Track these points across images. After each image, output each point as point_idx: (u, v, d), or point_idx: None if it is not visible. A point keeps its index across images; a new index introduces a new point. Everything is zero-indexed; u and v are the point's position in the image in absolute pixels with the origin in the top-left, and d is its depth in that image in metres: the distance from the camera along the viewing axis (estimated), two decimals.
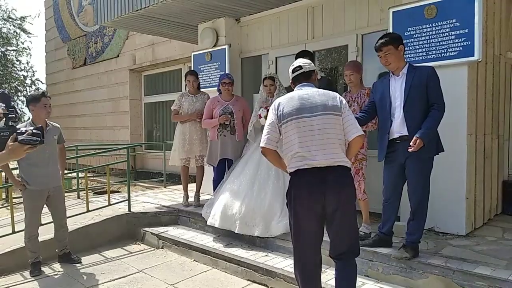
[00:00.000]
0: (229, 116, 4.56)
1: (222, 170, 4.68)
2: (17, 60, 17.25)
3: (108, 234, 4.62)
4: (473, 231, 3.63)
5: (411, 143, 2.85)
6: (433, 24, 3.56)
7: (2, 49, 16.55)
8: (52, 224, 3.94)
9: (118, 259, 4.12)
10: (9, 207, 4.26)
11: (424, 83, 2.96)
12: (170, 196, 5.98)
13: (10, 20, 16.63)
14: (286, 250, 3.70)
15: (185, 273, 3.72)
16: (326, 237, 2.44)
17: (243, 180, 4.16)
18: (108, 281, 3.56)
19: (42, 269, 3.78)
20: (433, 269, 2.88)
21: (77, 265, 3.93)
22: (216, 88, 4.96)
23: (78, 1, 11.65)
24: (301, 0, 4.94)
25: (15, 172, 3.80)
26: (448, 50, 3.49)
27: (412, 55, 3.66)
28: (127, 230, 4.80)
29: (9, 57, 16.88)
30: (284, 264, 3.46)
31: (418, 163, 2.98)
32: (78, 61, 11.87)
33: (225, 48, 5.57)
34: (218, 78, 4.92)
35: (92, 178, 9.13)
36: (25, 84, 17.46)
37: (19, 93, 17.42)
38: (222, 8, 5.23)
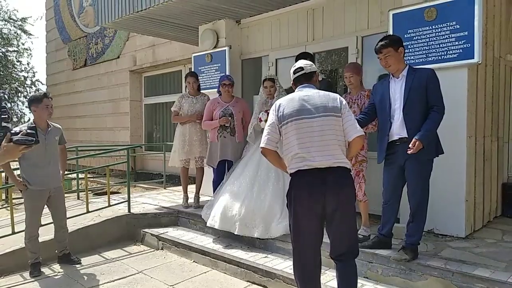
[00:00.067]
0: (229, 118, 4.57)
1: (222, 171, 4.68)
2: (18, 61, 17.29)
3: (108, 235, 4.62)
4: (473, 233, 3.63)
5: (410, 145, 2.86)
6: (433, 27, 3.57)
7: (3, 50, 16.58)
8: (52, 225, 3.94)
9: (118, 260, 4.12)
10: (9, 208, 4.26)
11: (423, 85, 2.96)
12: (170, 197, 5.99)
13: (11, 21, 16.67)
14: (285, 251, 3.70)
15: (185, 274, 3.72)
16: (326, 239, 2.45)
17: (243, 181, 4.16)
18: (108, 282, 3.56)
19: (42, 269, 3.78)
20: (433, 271, 2.88)
21: (77, 266, 3.94)
22: (216, 90, 4.97)
23: (79, 2, 11.67)
24: (301, 2, 4.95)
25: (16, 172, 3.81)
26: (448, 52, 3.50)
27: (412, 57, 3.67)
28: (127, 231, 4.80)
29: (9, 58, 16.91)
30: (284, 265, 3.46)
31: (417, 165, 2.99)
32: (78, 62, 11.89)
33: (225, 49, 5.59)
34: (218, 80, 4.93)
35: (92, 179, 9.13)
36: (26, 85, 17.49)
37: (19, 94, 17.45)
38: (223, 9, 5.24)
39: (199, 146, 4.95)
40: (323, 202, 2.31)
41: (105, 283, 3.55)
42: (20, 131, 1.75)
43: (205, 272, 3.75)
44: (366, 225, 3.58)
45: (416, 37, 3.68)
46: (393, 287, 3.01)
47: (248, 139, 4.56)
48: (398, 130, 3.06)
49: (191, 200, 5.13)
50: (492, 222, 4.09)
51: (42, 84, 16.76)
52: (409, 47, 3.65)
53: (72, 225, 4.32)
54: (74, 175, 6.48)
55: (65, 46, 12.46)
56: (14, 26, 16.80)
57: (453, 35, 3.47)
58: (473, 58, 3.38)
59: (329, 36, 4.81)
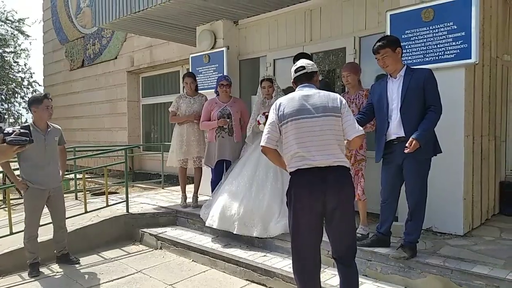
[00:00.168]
0: (228, 120, 4.58)
1: (220, 171, 4.69)
2: (15, 62, 17.22)
3: (106, 235, 4.62)
4: (471, 231, 3.66)
5: (407, 144, 2.88)
6: (431, 27, 3.60)
7: (0, 51, 16.51)
8: (50, 225, 3.94)
9: (116, 260, 4.12)
10: (6, 209, 4.25)
11: (421, 86, 2.99)
12: (168, 197, 5.98)
13: (8, 22, 16.61)
14: (284, 250, 3.71)
15: (184, 273, 3.73)
16: (325, 237, 2.46)
17: (241, 181, 4.17)
18: (106, 282, 3.56)
19: (41, 270, 3.77)
20: (431, 268, 2.90)
21: (76, 266, 3.93)
22: (214, 90, 4.98)
23: (76, 3, 11.65)
24: (299, 2, 4.97)
25: (16, 173, 3.81)
26: (445, 52, 3.52)
27: (409, 58, 3.69)
28: (125, 231, 4.79)
29: (6, 59, 16.85)
30: (283, 264, 3.47)
31: (415, 164, 3.01)
32: (76, 63, 11.86)
33: (223, 50, 5.60)
34: (216, 80, 4.94)
35: (90, 179, 9.12)
36: (23, 86, 17.42)
37: (16, 95, 17.38)
38: (220, 10, 5.25)
39: (197, 146, 4.96)
40: (323, 201, 2.33)
41: (104, 282, 3.55)
42: (13, 131, 1.74)
43: (204, 271, 3.76)
44: (365, 223, 3.60)
45: (414, 37, 3.70)
46: (392, 285, 3.03)
47: (246, 140, 4.57)
48: (395, 129, 3.09)
49: (189, 200, 5.13)
50: (490, 220, 4.12)
51: (39, 85, 16.72)
52: (406, 47, 3.67)
53: (71, 225, 4.31)
54: (72, 176, 6.48)
55: (63, 47, 12.43)
56: (11, 27, 16.75)
57: (450, 36, 3.49)
58: (470, 58, 3.40)
59: (327, 36, 4.83)
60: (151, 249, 4.45)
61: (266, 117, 4.15)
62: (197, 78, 5.25)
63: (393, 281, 3.05)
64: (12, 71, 17.14)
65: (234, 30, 5.77)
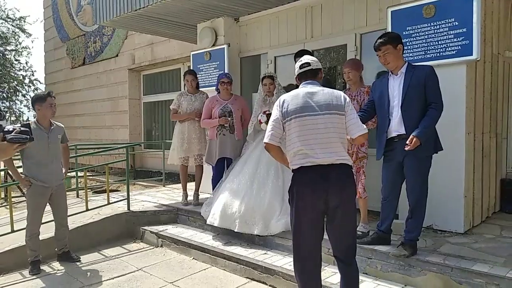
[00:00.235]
0: (229, 119, 4.57)
1: (221, 168, 4.69)
2: (16, 60, 17.25)
3: (107, 233, 4.63)
4: (471, 229, 3.65)
5: (407, 142, 2.87)
6: (432, 24, 3.58)
7: (1, 49, 16.53)
8: (51, 223, 3.95)
9: (117, 258, 4.13)
10: (8, 206, 4.26)
11: (422, 83, 2.97)
12: (169, 195, 5.99)
13: (9, 20, 16.63)
14: (285, 248, 3.71)
15: (184, 271, 3.73)
16: (325, 236, 2.45)
17: (242, 179, 4.17)
18: (107, 280, 3.57)
19: (42, 267, 3.78)
20: (432, 266, 2.89)
21: (77, 263, 3.94)
22: (214, 88, 4.97)
23: (77, 1, 11.64)
24: None
25: (19, 170, 3.82)
26: (447, 49, 3.51)
27: (410, 55, 3.67)
28: (126, 229, 4.80)
29: (7, 57, 16.87)
30: (283, 261, 3.47)
31: (416, 162, 3.00)
32: (77, 61, 11.86)
33: (224, 47, 5.58)
34: (217, 78, 4.93)
35: (91, 177, 9.13)
36: (24, 84, 17.45)
37: (17, 93, 17.41)
38: (221, 7, 5.23)
39: (198, 144, 4.96)
40: (325, 199, 2.32)
41: (104, 280, 3.55)
42: (14, 129, 1.74)
43: (204, 269, 3.76)
44: (365, 221, 3.59)
45: (415, 34, 3.68)
46: (392, 282, 3.02)
47: (247, 138, 4.56)
48: (396, 127, 3.07)
49: (190, 198, 5.13)
50: (491, 218, 4.10)
51: (41, 83, 16.75)
52: (407, 44, 3.65)
53: (72, 223, 4.32)
54: (74, 173, 6.48)
55: (64, 45, 12.43)
56: (12, 25, 16.76)
57: (451, 32, 3.47)
58: (472, 55, 3.38)
59: (328, 33, 4.81)
60: (152, 247, 4.46)
61: (267, 116, 4.15)
62: (198, 75, 5.24)
63: (393, 279, 3.05)
64: (14, 69, 17.17)
65: (235, 27, 5.75)
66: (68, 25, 12.11)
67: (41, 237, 3.82)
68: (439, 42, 3.54)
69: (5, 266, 3.81)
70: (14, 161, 3.87)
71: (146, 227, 4.71)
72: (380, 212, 3.29)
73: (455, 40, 3.45)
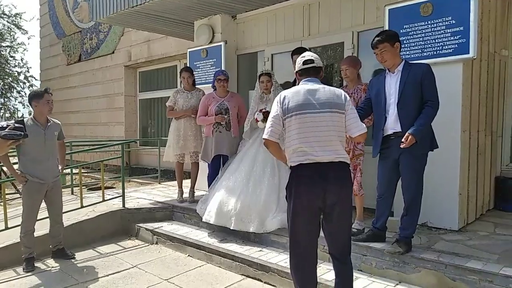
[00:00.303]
0: (225, 116, 4.56)
1: (217, 166, 4.68)
2: (11, 56, 17.12)
3: (102, 230, 4.60)
4: (466, 226, 3.67)
5: (403, 139, 2.88)
6: (429, 22, 3.58)
7: None
8: (46, 220, 3.93)
9: (112, 255, 4.11)
10: (2, 203, 4.23)
11: (418, 81, 2.98)
12: (165, 192, 5.97)
13: (4, 16, 16.50)
14: (280, 245, 3.72)
15: (180, 268, 3.72)
16: (321, 233, 2.45)
17: (238, 176, 4.16)
18: (102, 277, 3.55)
19: (36, 265, 3.76)
20: (426, 263, 2.90)
21: (71, 260, 3.92)
22: (211, 85, 4.96)
23: None
24: None
25: (15, 167, 3.79)
26: (444, 47, 3.51)
27: (407, 53, 3.68)
28: (121, 226, 4.78)
29: (2, 53, 16.75)
30: (278, 259, 3.47)
31: (411, 159, 3.01)
32: (73, 58, 11.80)
33: (221, 45, 5.57)
34: (213, 75, 4.91)
35: (86, 174, 9.10)
36: (19, 81, 17.33)
37: (12, 90, 17.29)
38: (218, 5, 5.22)
39: (193, 141, 4.94)
40: (323, 197, 2.32)
41: (99, 277, 3.54)
42: (8, 126, 1.73)
43: (200, 266, 3.76)
44: (360, 219, 3.60)
45: (412, 32, 3.69)
46: (387, 279, 3.03)
47: (244, 135, 4.55)
48: (392, 124, 3.08)
49: (186, 195, 5.12)
50: (485, 215, 4.13)
51: (36, 79, 16.62)
52: (405, 42, 3.65)
53: (66, 220, 4.29)
54: (68, 170, 6.45)
55: (59, 41, 12.36)
56: (8, 22, 16.64)
57: (448, 30, 3.48)
58: (468, 53, 3.39)
59: (325, 31, 4.81)
60: (147, 244, 4.45)
61: (263, 114, 4.15)
62: (194, 72, 5.23)
63: (387, 276, 3.06)
64: (9, 65, 17.04)
65: (232, 24, 5.74)
66: (64, 22, 12.03)
67: (35, 234, 3.79)
68: (436, 40, 3.55)
69: None
70: (10, 158, 3.83)
71: (141, 224, 4.69)
72: (376, 209, 3.29)
73: (452, 38, 3.46)
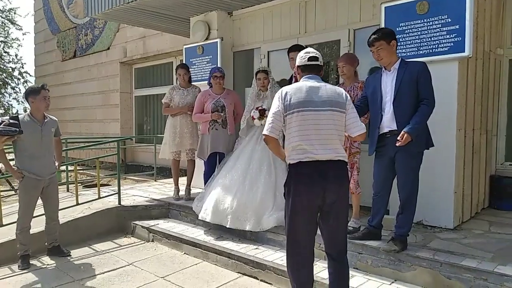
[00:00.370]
0: (221, 114, 4.55)
1: (213, 163, 4.67)
2: (5, 52, 16.94)
3: (98, 227, 4.59)
4: (461, 225, 3.69)
5: (398, 138, 2.88)
6: (425, 20, 3.59)
7: None
8: (41, 217, 3.91)
9: (108, 252, 4.10)
10: None
11: (414, 79, 2.98)
12: (161, 189, 5.96)
13: None
14: (276, 243, 3.72)
15: (176, 266, 3.72)
16: (318, 232, 2.46)
17: (234, 174, 4.15)
18: (98, 274, 3.54)
19: (31, 262, 3.75)
20: (421, 261, 2.92)
21: (67, 258, 3.91)
22: (207, 82, 4.94)
23: None
24: None
25: (11, 163, 3.77)
26: (439, 45, 3.52)
27: (403, 51, 3.68)
28: (117, 223, 4.77)
29: None
30: (275, 256, 3.47)
31: (407, 158, 3.02)
32: (68, 54, 11.71)
33: (217, 41, 5.54)
34: (209, 72, 4.90)
35: (81, 171, 9.05)
36: (13, 76, 17.17)
37: (6, 85, 17.13)
38: (215, 1, 5.19)
39: (190, 138, 4.93)
40: (323, 196, 2.32)
41: (95, 275, 3.53)
42: (2, 122, 1.72)
43: (196, 264, 3.76)
44: (357, 217, 3.60)
45: (408, 30, 3.69)
46: (382, 277, 3.05)
47: (240, 133, 4.54)
48: (388, 122, 3.09)
49: (182, 193, 5.11)
50: (480, 214, 4.15)
51: (30, 75, 16.46)
52: (400, 40, 3.66)
53: (62, 217, 4.27)
54: (64, 167, 6.42)
55: (54, 37, 12.25)
56: (1, 17, 16.45)
57: (444, 29, 3.49)
58: (464, 52, 3.40)
59: (321, 28, 4.80)
60: (143, 242, 4.44)
61: (260, 112, 4.14)
62: (190, 69, 5.20)
63: (383, 274, 3.07)
64: (3, 61, 16.87)
65: (228, 21, 5.71)
66: (59, 17, 11.93)
67: (31, 231, 3.78)
68: (432, 39, 3.55)
69: None
70: (7, 154, 3.81)
71: (137, 222, 4.69)
72: (371, 207, 3.30)
73: (447, 36, 3.47)
